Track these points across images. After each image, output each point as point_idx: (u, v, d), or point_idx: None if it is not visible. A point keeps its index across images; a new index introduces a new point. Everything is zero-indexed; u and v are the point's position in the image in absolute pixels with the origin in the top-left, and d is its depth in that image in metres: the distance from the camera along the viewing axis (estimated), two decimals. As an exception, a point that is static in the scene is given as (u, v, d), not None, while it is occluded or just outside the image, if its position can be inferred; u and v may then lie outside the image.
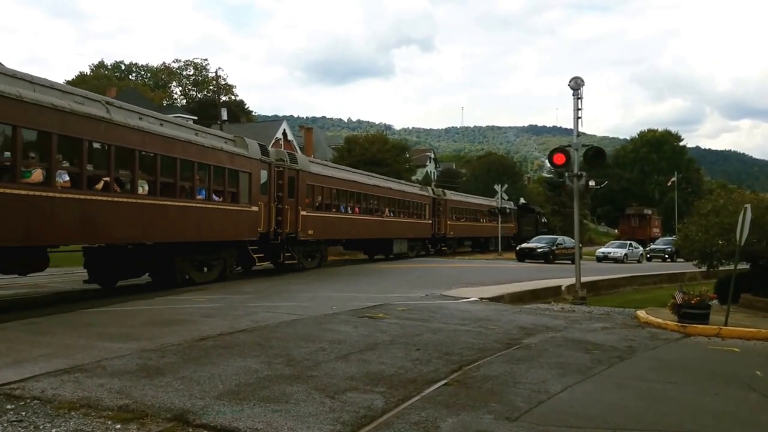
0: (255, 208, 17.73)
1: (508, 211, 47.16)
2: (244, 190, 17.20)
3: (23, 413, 4.86)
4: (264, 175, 18.40)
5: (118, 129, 12.45)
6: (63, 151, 11.35)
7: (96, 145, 12.16)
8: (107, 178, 12.28)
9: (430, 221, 34.26)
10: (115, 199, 12.45)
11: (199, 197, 15.24)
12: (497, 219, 43.53)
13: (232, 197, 16.78)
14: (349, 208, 25.18)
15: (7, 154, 10.26)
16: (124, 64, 74.85)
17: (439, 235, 35.52)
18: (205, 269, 16.20)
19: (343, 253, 29.61)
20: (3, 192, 9.97)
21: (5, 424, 4.62)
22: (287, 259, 20.10)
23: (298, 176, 20.46)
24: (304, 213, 20.74)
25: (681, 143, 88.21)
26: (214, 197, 15.92)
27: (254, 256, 17.98)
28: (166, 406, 5.13)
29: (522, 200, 57.37)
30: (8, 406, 5.01)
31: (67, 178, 11.40)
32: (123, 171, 12.83)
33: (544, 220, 56.11)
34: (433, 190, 37.09)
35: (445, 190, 38.79)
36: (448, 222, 36.56)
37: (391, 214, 29.14)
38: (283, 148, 26.90)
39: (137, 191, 13.08)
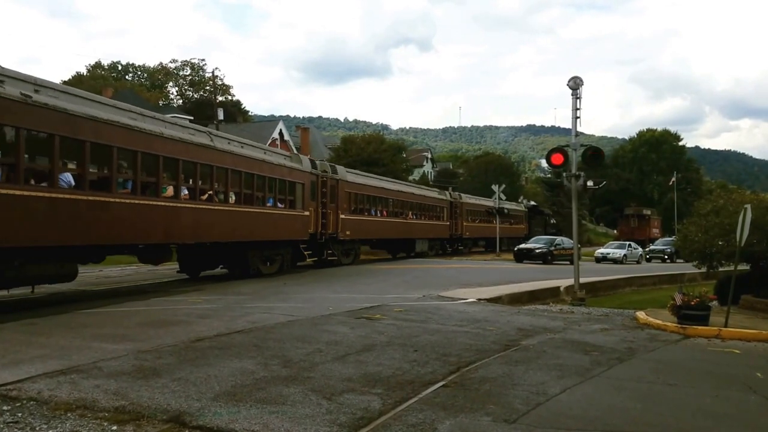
0: (306, 213, 21.28)
1: (519, 212, 50.57)
2: (299, 197, 20.68)
3: (19, 414, 4.83)
4: (312, 184, 21.99)
5: (217, 153, 16.07)
6: (184, 172, 14.87)
7: (203, 166, 15.56)
8: (210, 192, 15.86)
9: (448, 223, 37.32)
10: (215, 208, 16.03)
11: (268, 205, 18.72)
12: (515, 222, 47.16)
13: (290, 204, 20.12)
14: (378, 212, 28.59)
15: (153, 177, 13.79)
16: (121, 65, 74.77)
17: (456, 236, 38.26)
18: (268, 263, 19.29)
19: (367, 252, 31.53)
20: (150, 203, 13.59)
21: (1, 426, 4.59)
22: (329, 256, 23.49)
23: (338, 185, 24.02)
24: (343, 216, 24.14)
25: (680, 143, 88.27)
26: (279, 204, 19.33)
27: (305, 253, 21.66)
28: (162, 408, 5.10)
29: (532, 202, 58.95)
30: (4, 407, 4.98)
31: (186, 192, 14.96)
32: (220, 185, 16.36)
33: (552, 221, 58.14)
34: (450, 194, 39.44)
35: (462, 194, 41.36)
36: (464, 223, 39.29)
37: (414, 217, 32.51)
38: (279, 148, 29.40)
39: (229, 201, 16.64)
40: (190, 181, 15.31)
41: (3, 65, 10.43)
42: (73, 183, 11.60)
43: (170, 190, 14.35)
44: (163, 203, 14.03)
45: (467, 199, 41.21)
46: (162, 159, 13.83)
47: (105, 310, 10.81)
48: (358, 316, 10.48)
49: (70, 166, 11.94)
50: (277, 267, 19.78)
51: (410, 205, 32.28)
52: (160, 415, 4.95)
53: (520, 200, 41.79)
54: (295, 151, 35.06)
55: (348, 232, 24.79)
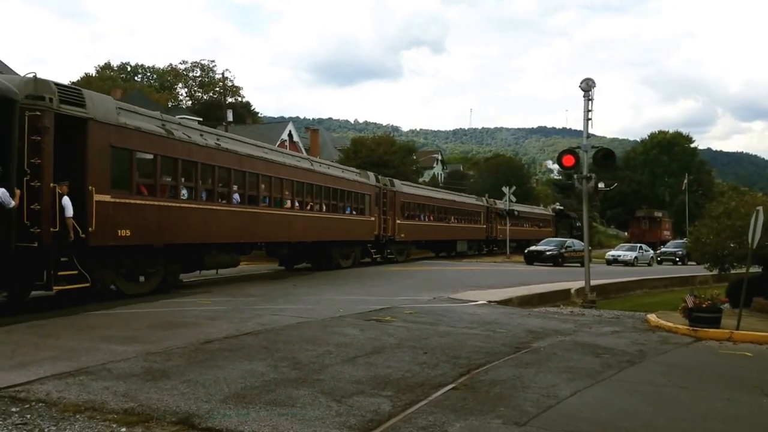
0: (372, 218, 26.29)
1: (547, 216, 54.87)
2: (367, 206, 25.80)
3: (28, 416, 4.85)
4: (376, 195, 27.02)
5: (315, 174, 21.56)
6: (297, 189, 20.17)
7: (307, 185, 20.92)
8: (311, 203, 21.28)
9: (485, 226, 41.79)
10: (314, 215, 21.34)
11: (346, 212, 23.86)
12: (543, 225, 51.22)
13: (361, 211, 25.31)
14: (426, 217, 33.46)
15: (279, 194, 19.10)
16: (130, 66, 74.93)
17: (491, 238, 42.28)
18: (345, 259, 24.45)
19: (412, 251, 34.90)
20: (278, 213, 18.88)
21: (10, 427, 4.60)
22: (388, 255, 28.69)
23: (395, 195, 29.20)
24: (398, 221, 29.12)
25: (692, 145, 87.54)
26: (353, 212, 24.53)
27: (371, 251, 27.23)
28: (171, 410, 5.10)
29: (558, 206, 60.37)
30: (13, 409, 4.99)
31: (297, 204, 20.27)
32: (315, 198, 21.57)
33: (578, 224, 58.88)
34: (486, 200, 43.54)
35: (496, 201, 44.63)
36: (498, 227, 42.89)
37: (455, 221, 37.26)
38: (288, 149, 33.16)
39: (324, 211, 22.00)
40: (300, 195, 20.62)
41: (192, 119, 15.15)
42: (239, 200, 16.90)
43: (288, 203, 19.71)
44: (285, 213, 19.41)
45: (502, 205, 44.32)
46: (284, 181, 19.26)
47: (114, 311, 10.86)
48: (368, 318, 10.46)
49: (237, 188, 16.94)
50: (351, 262, 24.99)
51: (452, 211, 36.90)
52: (169, 417, 4.94)
53: (549, 205, 42.56)
54: (305, 153, 36.64)
55: (402, 235, 29.56)
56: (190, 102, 65.38)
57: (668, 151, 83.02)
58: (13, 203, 9.91)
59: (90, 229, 11.53)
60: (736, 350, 9.25)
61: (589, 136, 15.71)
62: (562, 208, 60.58)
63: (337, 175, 23.53)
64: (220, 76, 62.20)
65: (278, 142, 43.56)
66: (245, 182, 17.16)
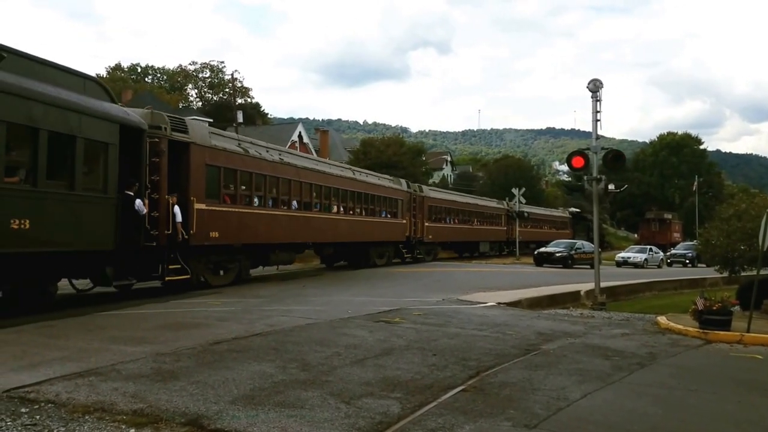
0: (404, 221, 29.08)
1: (564, 218, 57.22)
2: (399, 210, 28.49)
3: (37, 417, 4.86)
4: (407, 200, 29.69)
5: (356, 182, 24.58)
6: (341, 196, 23.14)
7: (351, 192, 23.93)
8: (352, 208, 24.08)
9: (505, 228, 44.28)
10: (356, 219, 24.19)
11: (381, 216, 26.67)
12: (561, 227, 53.78)
13: (394, 215, 28.04)
14: (451, 220, 36.06)
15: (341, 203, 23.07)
16: (141, 67, 75.03)
17: (511, 239, 43.61)
18: (380, 258, 27.20)
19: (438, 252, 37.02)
20: (327, 217, 21.82)
21: (20, 428, 4.61)
22: (417, 255, 31.22)
23: (423, 200, 32.03)
24: (427, 224, 31.89)
25: (701, 146, 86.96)
26: (387, 216, 27.30)
27: (403, 251, 29.81)
28: (180, 411, 5.10)
29: (575, 209, 61.58)
30: (22, 410, 5.01)
31: (341, 209, 23.15)
32: (356, 204, 24.30)
33: None
34: (506, 203, 45.67)
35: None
36: (518, 229, 44.57)
37: (478, 223, 40.03)
38: (298, 151, 34.95)
39: (362, 214, 24.76)
40: (344, 201, 23.30)
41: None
42: (296, 206, 19.77)
43: (334, 209, 22.45)
44: (332, 217, 22.21)
45: (523, 208, 46.56)
46: (331, 189, 22.21)
47: (123, 312, 10.89)
48: (377, 320, 10.44)
49: (295, 196, 19.76)
50: (385, 260, 27.81)
51: (475, 214, 39.84)
52: (179, 418, 4.94)
53: (561, 207, 43.07)
54: (314, 153, 37.28)
55: (430, 236, 32.31)
56: (200, 103, 65.53)
57: (677, 152, 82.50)
58: (144, 211, 12.65)
59: (191, 231, 14.40)
60: (746, 353, 9.16)
61: (598, 137, 15.63)
62: (578, 210, 61.77)
63: (373, 182, 26.64)
64: (230, 77, 62.36)
65: (288, 143, 43.64)
66: (301, 191, 20.18)
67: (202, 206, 14.85)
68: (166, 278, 13.86)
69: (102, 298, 12.90)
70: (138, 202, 12.36)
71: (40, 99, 10.08)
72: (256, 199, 17.53)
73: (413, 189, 31.35)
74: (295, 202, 19.70)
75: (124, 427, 4.71)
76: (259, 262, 18.76)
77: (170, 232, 13.65)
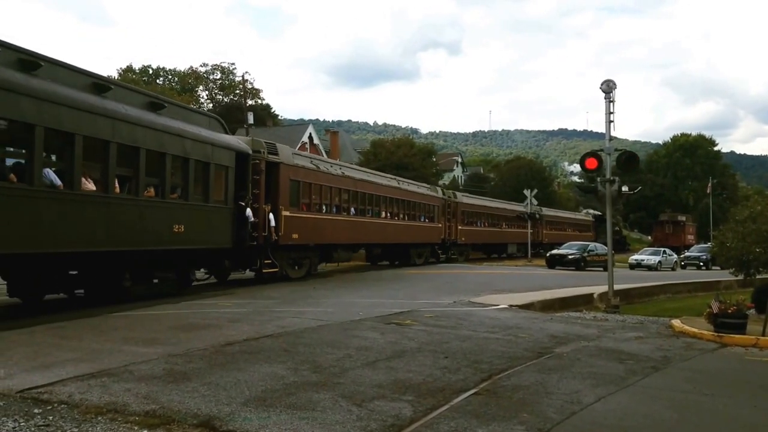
0: (439, 225, 32.48)
1: (587, 222, 59.72)
2: (435, 215, 31.89)
3: (50, 417, 4.87)
4: (442, 205, 33.05)
5: (399, 190, 27.84)
6: (390, 203, 26.42)
7: (396, 200, 27.27)
8: (398, 213, 27.38)
9: (532, 231, 45.16)
10: (399, 223, 27.33)
11: (420, 220, 30.05)
12: (584, 230, 56.47)
13: (431, 219, 31.39)
14: (482, 223, 39.23)
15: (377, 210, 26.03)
16: (152, 69, 75.17)
17: (537, 241, 46.16)
18: (419, 258, 30.16)
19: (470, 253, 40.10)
20: (376, 222, 25.04)
21: (33, 429, 4.63)
22: (452, 255, 34.62)
23: (457, 205, 35.42)
24: (460, 227, 35.22)
25: (715, 148, 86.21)
26: (425, 220, 30.70)
27: (438, 251, 33.01)
28: (192, 412, 5.10)
29: (597, 212, 62.14)
30: (36, 410, 5.02)
31: (388, 214, 26.37)
32: (400, 209, 27.64)
33: (616, 228, 63.86)
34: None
35: (542, 208, 49.37)
36: (544, 231, 48.51)
37: (506, 226, 42.63)
38: (308, 152, 35.88)
39: (405, 219, 28.04)
40: (390, 207, 26.61)
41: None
42: (354, 212, 23.13)
43: (382, 214, 25.79)
44: (381, 221, 25.51)
45: (547, 211, 51.08)
46: (381, 197, 25.52)
47: (135, 313, 10.93)
48: (388, 322, 10.41)
49: (353, 204, 23.29)
50: (423, 260, 30.93)
51: (503, 218, 42.53)
52: (191, 419, 4.94)
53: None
54: (325, 155, 38.05)
55: (463, 238, 35.70)
56: (211, 104, 65.73)
57: (691, 154, 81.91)
58: (252, 218, 16.16)
59: (280, 233, 17.77)
60: (762, 357, 9.05)
61: (611, 138, 15.48)
62: (600, 213, 61.57)
63: (414, 190, 30.04)
64: (241, 78, 62.54)
65: (299, 145, 43.72)
66: (357, 199, 23.57)
67: (287, 213, 18.39)
68: (263, 270, 17.50)
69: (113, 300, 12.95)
70: (248, 210, 15.98)
71: (190, 137, 13.60)
72: (324, 207, 21.11)
73: (448, 195, 34.71)
74: (353, 209, 23.29)
75: (136, 428, 4.71)
76: (325, 259, 22.60)
77: (266, 234, 17.18)
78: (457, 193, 37.65)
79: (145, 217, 12.29)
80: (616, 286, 15.89)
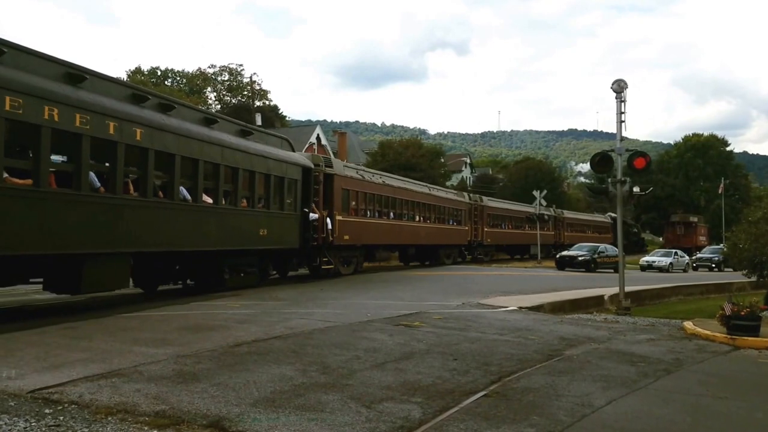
0: (466, 228, 35.14)
1: (606, 223, 60.54)
2: (462, 218, 34.56)
3: (61, 417, 4.89)
4: (469, 210, 35.77)
5: (431, 196, 30.59)
6: (422, 208, 29.10)
7: (427, 205, 29.75)
8: (429, 217, 29.89)
9: (553, 232, 49.10)
10: (429, 225, 29.93)
11: (449, 223, 32.68)
12: (603, 232, 57.27)
13: (458, 222, 33.98)
14: (506, 225, 41.54)
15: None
16: (160, 70, 75.36)
17: (559, 243, 48.50)
18: (447, 258, 32.83)
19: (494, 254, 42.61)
20: (413, 225, 27.85)
21: (44, 429, 4.64)
22: (478, 255, 37.35)
23: (482, 209, 37.54)
24: (486, 229, 37.56)
25: (727, 148, 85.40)
26: (453, 223, 33.28)
27: (465, 252, 36.16)
28: (202, 413, 5.11)
29: (614, 214, 61.95)
30: (46, 411, 5.04)
31: (421, 218, 29.03)
32: (431, 213, 30.14)
33: (635, 230, 65.65)
34: (554, 209, 50.41)
35: (564, 210, 53.77)
36: (565, 233, 50.80)
37: (529, 228, 43.67)
38: (316, 153, 38.51)
39: (435, 222, 30.69)
40: (422, 212, 29.17)
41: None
42: (393, 216, 25.92)
43: (416, 218, 28.36)
44: (415, 224, 28.22)
45: (567, 214, 54.02)
46: (415, 203, 28.33)
47: (145, 314, 10.96)
48: (397, 323, 10.38)
49: (392, 209, 26.03)
50: (451, 260, 33.38)
51: (526, 220, 44.03)
52: (200, 420, 4.95)
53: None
54: (332, 156, 38.67)
55: (489, 240, 38.10)
56: (219, 106, 65.90)
57: (703, 154, 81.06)
58: (314, 222, 18.98)
59: (334, 235, 20.33)
60: (777, 359, 8.95)
61: (622, 138, 15.37)
62: (617, 215, 61.91)
63: (443, 196, 32.84)
64: (248, 79, 62.71)
65: (306, 146, 43.78)
66: (395, 204, 26.23)
67: (340, 218, 21.01)
68: (322, 267, 20.12)
69: (122, 300, 13.02)
70: (312, 216, 18.83)
71: (270, 156, 16.66)
72: (368, 212, 23.80)
73: (474, 200, 37.41)
74: (391, 213, 26.03)
75: (146, 428, 4.72)
76: (369, 258, 25.17)
77: (324, 235, 19.67)
78: (484, 198, 39.76)
79: (242, 223, 15.33)
80: (627, 288, 15.78)
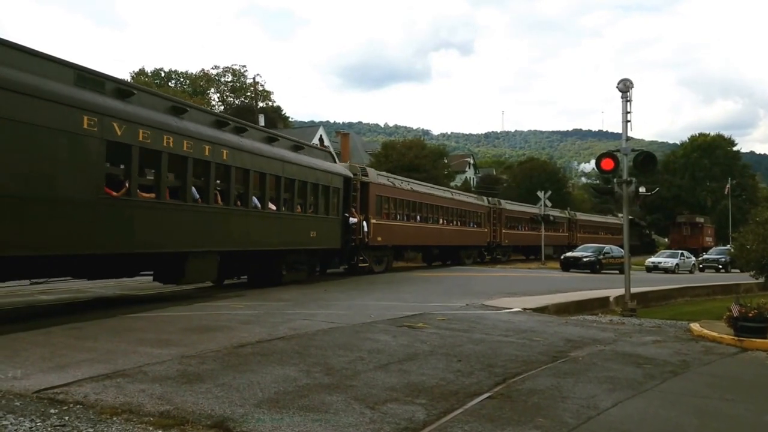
0: (485, 230, 37.64)
1: (620, 225, 63.03)
2: (482, 221, 37.14)
3: (66, 418, 4.89)
4: (488, 213, 38.19)
5: (453, 200, 33.37)
6: (447, 212, 31.96)
7: (448, 208, 32.28)
8: (451, 220, 32.57)
9: (567, 234, 51.34)
10: (451, 228, 32.56)
11: (470, 226, 35.27)
12: (617, 233, 56.51)
13: (478, 225, 36.57)
14: (522, 227, 44.16)
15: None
16: (164, 71, 75.48)
17: (573, 244, 49.04)
18: (468, 258, 35.47)
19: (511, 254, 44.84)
20: (437, 227, 30.79)
21: (49, 429, 4.65)
22: (497, 256, 39.87)
23: (501, 212, 40.16)
24: (504, 231, 40.10)
25: (734, 148, 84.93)
26: (474, 225, 35.95)
27: (484, 253, 38.73)
28: (206, 413, 5.11)
29: (630, 217, 62.88)
30: (51, 411, 5.05)
31: (444, 221, 31.72)
32: (453, 217, 33.01)
33: (647, 231, 67.78)
34: (568, 212, 53.45)
35: (576, 213, 55.97)
36: (578, 235, 53.05)
37: (545, 230, 45.41)
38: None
39: (457, 225, 33.37)
40: (446, 215, 31.98)
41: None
42: (419, 219, 28.51)
43: (440, 221, 31.16)
44: (439, 227, 30.95)
45: (581, 216, 56.66)
46: (439, 207, 31.20)
47: (149, 314, 10.98)
48: (400, 325, 10.36)
49: (418, 212, 28.73)
50: (472, 260, 35.97)
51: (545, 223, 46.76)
52: (205, 420, 4.95)
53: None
54: (336, 157, 39.45)
55: (506, 241, 40.52)
56: (222, 107, 65.95)
57: (709, 154, 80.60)
58: (353, 225, 21.52)
59: (370, 237, 22.93)
60: (784, 361, 8.88)
61: (628, 138, 15.29)
62: (631, 217, 61.94)
63: (464, 200, 35.60)
64: (252, 80, 62.73)
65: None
66: (421, 209, 28.86)
67: (375, 221, 23.64)
68: (359, 264, 22.78)
69: (126, 300, 13.03)
70: (351, 219, 21.32)
71: (319, 168, 19.03)
72: (398, 216, 26.35)
73: (493, 203, 39.88)
74: (418, 217, 28.59)
75: (151, 428, 4.72)
76: (398, 258, 28.12)
77: (361, 237, 22.23)
78: (502, 201, 42.47)
79: (297, 227, 17.76)
80: (633, 289, 15.72)
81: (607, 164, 14.95)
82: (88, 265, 11.69)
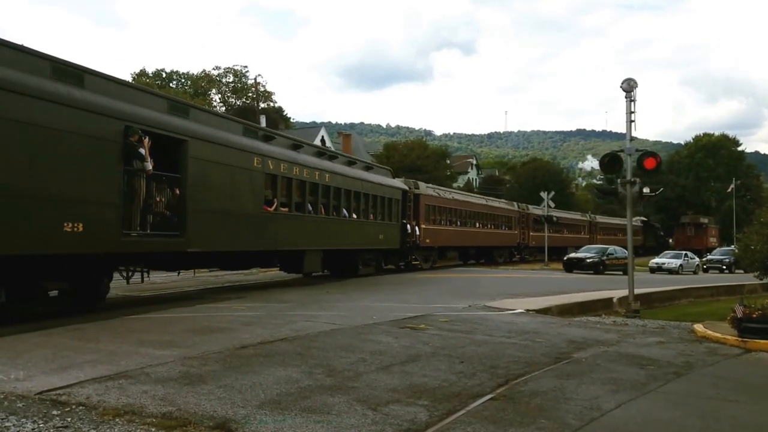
0: (515, 232, 42.23)
1: (637, 227, 60.99)
2: (513, 224, 41.78)
3: (68, 419, 4.90)
4: (517, 216, 42.61)
5: (488, 206, 38.95)
6: (475, 216, 36.49)
7: (484, 213, 37.56)
8: (487, 224, 37.90)
9: (588, 236, 54.60)
10: (486, 230, 37.51)
11: (501, 228, 39.61)
12: (634, 235, 56.92)
13: (509, 227, 41.08)
14: (548, 229, 45.44)
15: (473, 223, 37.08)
16: (165, 72, 75.42)
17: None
18: (500, 258, 39.80)
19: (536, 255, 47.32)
20: (474, 230, 35.99)
21: (52, 430, 4.65)
22: (525, 256, 44.22)
23: (528, 215, 44.37)
24: (531, 233, 44.33)
25: (739, 148, 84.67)
26: (505, 228, 40.33)
27: (513, 252, 42.92)
28: (208, 414, 5.11)
29: (643, 218, 64.77)
30: (54, 412, 5.05)
31: (479, 224, 36.81)
32: (488, 220, 37.91)
33: (661, 233, 69.08)
34: (589, 215, 57.21)
35: (597, 216, 58.68)
36: (598, 236, 55.84)
37: (567, 232, 51.01)
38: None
39: (490, 228, 38.00)
40: (482, 219, 36.68)
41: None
42: (459, 224, 33.54)
43: (476, 224, 35.68)
44: (476, 230, 35.59)
45: (600, 218, 59.34)
46: (475, 212, 35.99)
47: (151, 316, 11.00)
48: (402, 326, 10.34)
49: (458, 218, 33.82)
50: (503, 260, 40.46)
51: (564, 225, 50.02)
52: (207, 421, 4.95)
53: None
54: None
55: (533, 243, 44.34)
56: (223, 108, 65.91)
57: (714, 154, 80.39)
58: (409, 230, 25.73)
59: (420, 239, 27.34)
60: (789, 363, 8.85)
61: (632, 138, 15.25)
62: (646, 219, 66.67)
63: (496, 205, 40.49)
64: (253, 81, 62.75)
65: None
66: (461, 214, 33.82)
67: (424, 226, 28.10)
68: (413, 262, 27.91)
69: (129, 301, 13.04)
70: (408, 225, 25.73)
71: (383, 183, 23.81)
72: (442, 221, 30.92)
73: (522, 208, 44.14)
74: (458, 222, 33.31)
75: (153, 429, 4.73)
76: (441, 258, 31.70)
77: (414, 239, 26.52)
78: (530, 206, 46.07)
79: (370, 231, 22.45)
80: (637, 290, 15.67)
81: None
82: (246, 259, 17.17)
